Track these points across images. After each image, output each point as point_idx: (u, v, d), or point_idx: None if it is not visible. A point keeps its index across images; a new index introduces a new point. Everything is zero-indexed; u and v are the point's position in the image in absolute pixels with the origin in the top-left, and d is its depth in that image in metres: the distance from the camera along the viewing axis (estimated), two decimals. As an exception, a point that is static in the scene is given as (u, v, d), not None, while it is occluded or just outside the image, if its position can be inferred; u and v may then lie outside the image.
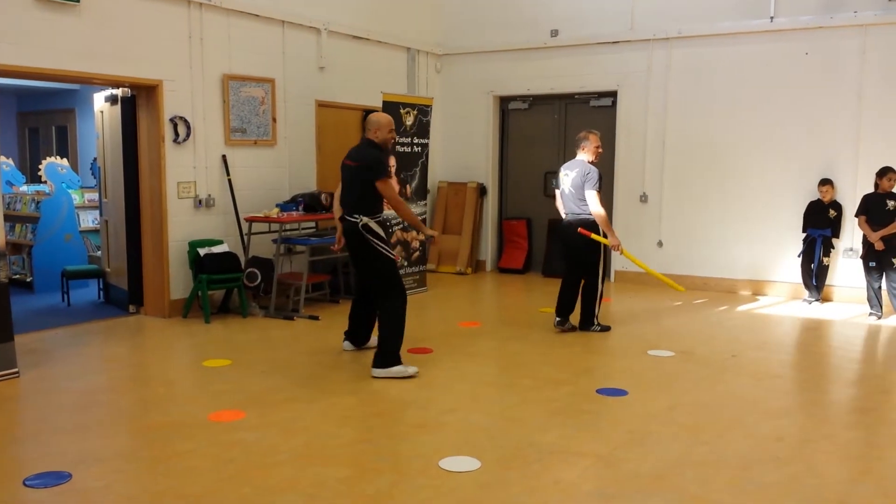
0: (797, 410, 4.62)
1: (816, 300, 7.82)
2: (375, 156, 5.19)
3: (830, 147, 7.96)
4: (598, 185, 6.19)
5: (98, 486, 3.41)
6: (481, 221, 10.10)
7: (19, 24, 5.78)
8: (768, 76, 8.20)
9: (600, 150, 6.40)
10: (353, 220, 5.15)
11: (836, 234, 7.84)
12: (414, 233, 8.33)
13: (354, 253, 5.26)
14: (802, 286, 7.95)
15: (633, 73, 8.95)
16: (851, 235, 7.82)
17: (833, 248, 7.86)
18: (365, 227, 5.12)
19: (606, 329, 6.55)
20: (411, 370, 5.14)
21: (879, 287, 7.19)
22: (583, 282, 6.42)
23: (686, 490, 3.41)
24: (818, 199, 7.87)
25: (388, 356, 5.14)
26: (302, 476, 3.53)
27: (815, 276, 7.78)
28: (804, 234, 7.89)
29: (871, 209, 7.20)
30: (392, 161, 7.82)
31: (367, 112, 8.81)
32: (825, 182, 7.83)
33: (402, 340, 5.23)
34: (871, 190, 7.32)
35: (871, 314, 7.20)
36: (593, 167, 6.25)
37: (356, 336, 5.77)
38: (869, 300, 7.24)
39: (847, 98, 7.84)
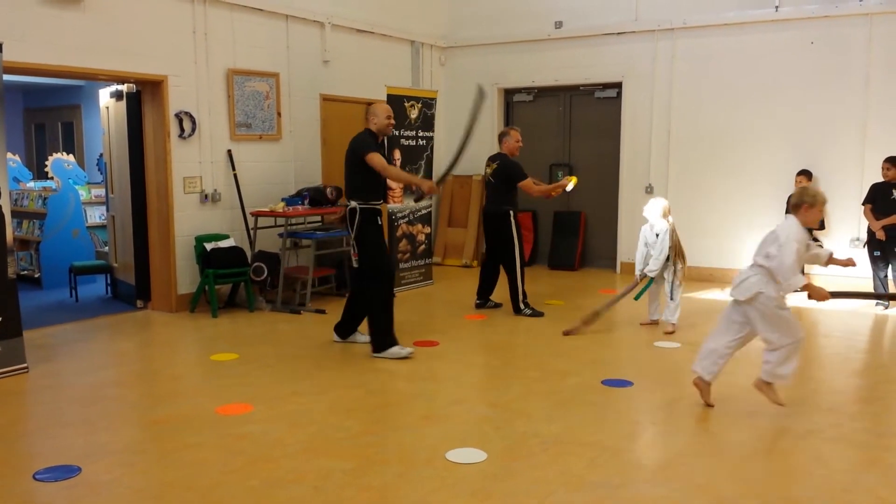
0: (802, 400, 4.61)
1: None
2: (359, 138, 5.45)
3: (837, 136, 7.92)
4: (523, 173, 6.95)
5: (107, 480, 3.44)
6: (487, 214, 10.07)
7: (24, 21, 5.80)
8: (774, 66, 8.17)
9: (520, 143, 7.04)
10: (348, 204, 5.46)
11: (820, 227, 7.76)
12: (419, 225, 8.35)
13: (352, 236, 5.56)
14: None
15: (637, 64, 8.92)
16: (858, 225, 7.79)
17: (817, 239, 7.83)
18: (352, 211, 5.38)
19: (539, 314, 6.75)
20: (405, 351, 5.36)
21: (886, 276, 7.16)
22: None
23: (691, 480, 3.42)
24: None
25: (379, 337, 5.39)
26: (309, 468, 3.55)
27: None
28: None
29: (877, 198, 7.18)
30: (397, 154, 7.85)
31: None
32: (801, 173, 7.80)
33: (390, 322, 5.44)
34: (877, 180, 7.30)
35: (877, 304, 7.18)
36: (513, 159, 6.96)
37: (342, 327, 5.85)
38: (875, 290, 7.21)
39: (853, 87, 7.80)
